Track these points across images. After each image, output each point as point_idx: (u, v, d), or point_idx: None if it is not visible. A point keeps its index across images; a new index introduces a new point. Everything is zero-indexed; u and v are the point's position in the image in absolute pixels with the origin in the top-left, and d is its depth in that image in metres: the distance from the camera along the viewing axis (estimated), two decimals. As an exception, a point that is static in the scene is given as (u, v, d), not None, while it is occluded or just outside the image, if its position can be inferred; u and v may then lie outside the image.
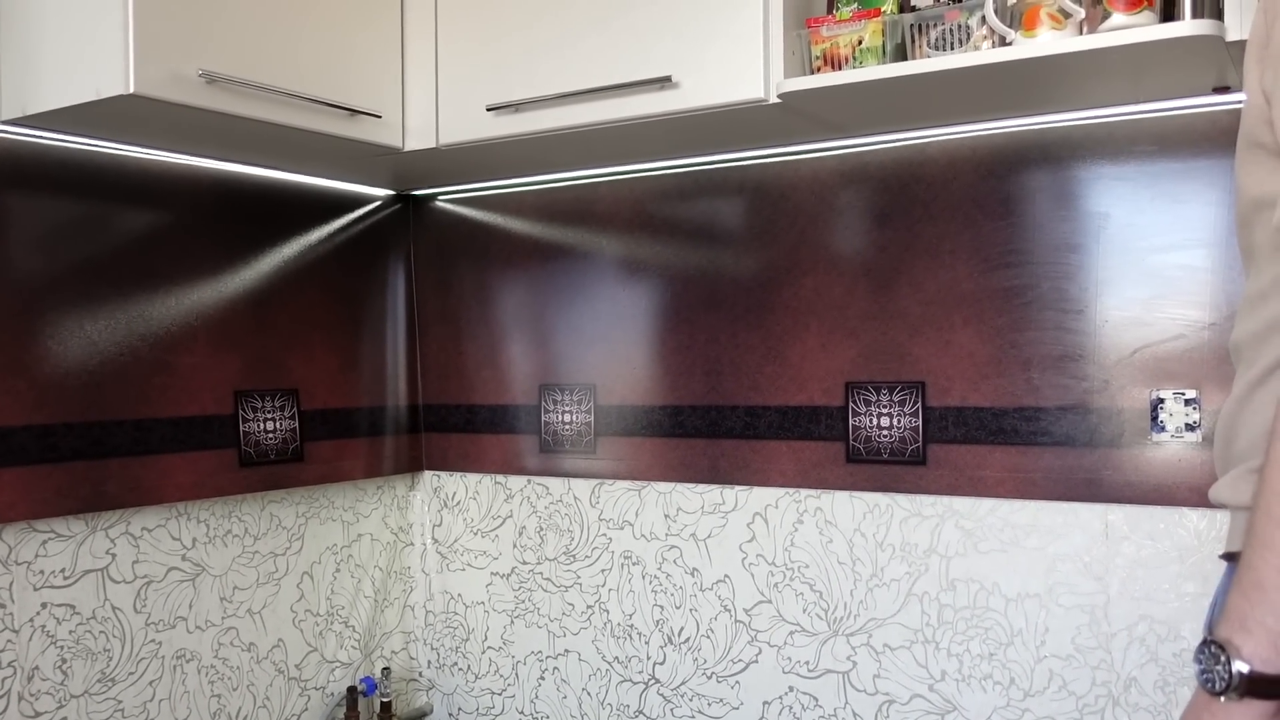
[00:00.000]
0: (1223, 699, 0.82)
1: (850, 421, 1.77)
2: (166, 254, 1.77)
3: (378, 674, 2.13)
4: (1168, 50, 1.28)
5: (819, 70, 1.50)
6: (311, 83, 1.61)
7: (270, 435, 1.90)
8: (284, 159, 1.87)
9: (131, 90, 1.38)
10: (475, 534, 2.18)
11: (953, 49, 1.43)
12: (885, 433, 1.74)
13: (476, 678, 2.19)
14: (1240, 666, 0.80)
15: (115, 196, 1.70)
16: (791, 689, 1.84)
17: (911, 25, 1.46)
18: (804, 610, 1.83)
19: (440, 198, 2.19)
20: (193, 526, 1.83)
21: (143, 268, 1.73)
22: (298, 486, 1.97)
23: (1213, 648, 0.83)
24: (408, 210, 2.22)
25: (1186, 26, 1.24)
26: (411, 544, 2.25)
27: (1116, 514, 1.59)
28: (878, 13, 1.48)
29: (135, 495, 1.71)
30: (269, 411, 1.90)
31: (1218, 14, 1.26)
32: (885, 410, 1.74)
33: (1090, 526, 1.61)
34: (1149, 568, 1.57)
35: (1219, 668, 0.82)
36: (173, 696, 1.80)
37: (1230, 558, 0.90)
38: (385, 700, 2.09)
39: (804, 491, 1.82)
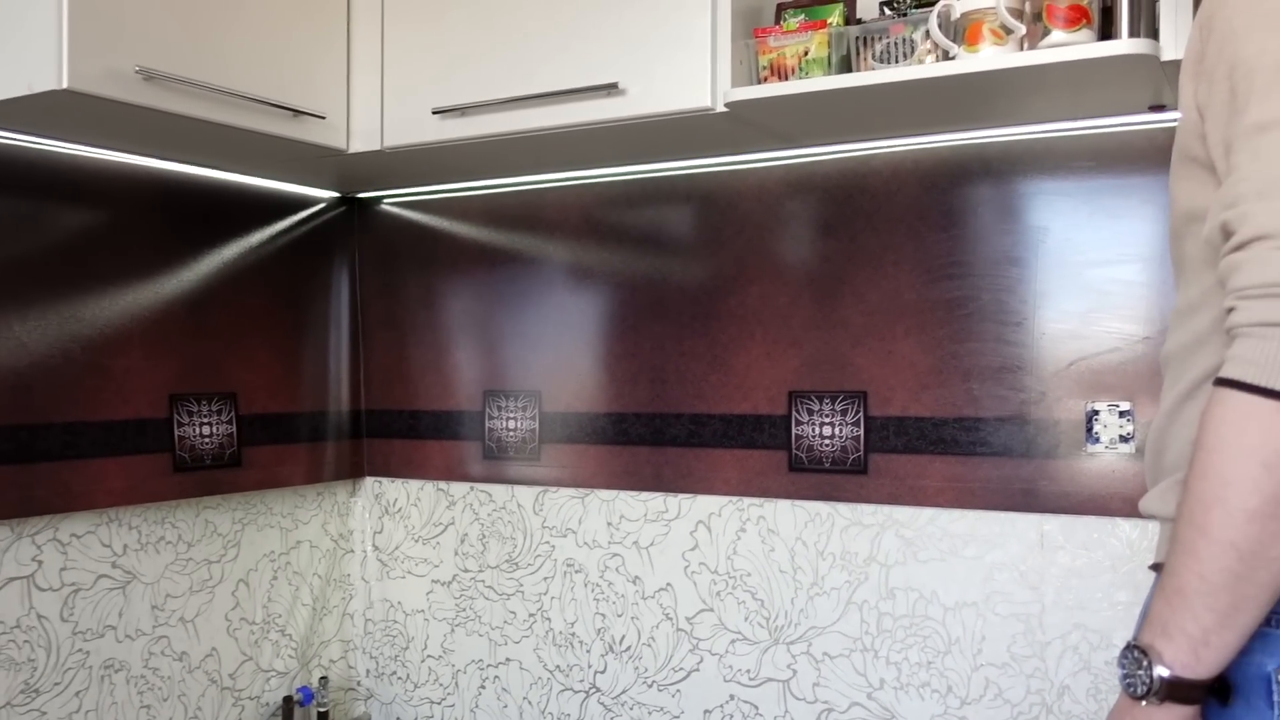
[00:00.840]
0: (1144, 703, 0.84)
1: (793, 430, 1.78)
2: (101, 254, 1.73)
3: (315, 683, 2.10)
4: (1105, 68, 1.31)
5: (766, 80, 1.51)
6: (254, 82, 1.58)
7: (206, 440, 1.87)
8: (225, 159, 1.83)
9: (65, 86, 1.35)
10: (416, 541, 2.16)
11: (897, 62, 1.44)
12: (827, 442, 1.75)
13: (416, 687, 2.16)
14: (1161, 671, 0.83)
15: (48, 195, 1.66)
16: (732, 697, 1.84)
17: (857, 38, 1.47)
18: (745, 619, 1.83)
19: (385, 200, 2.17)
20: (124, 533, 1.79)
21: (76, 268, 1.69)
22: (234, 492, 1.93)
23: (1135, 653, 0.85)
24: (352, 213, 2.19)
25: (1123, 45, 1.27)
26: (351, 551, 2.22)
27: (1052, 524, 1.61)
28: (824, 24, 1.49)
29: (64, 500, 1.66)
30: (205, 415, 1.87)
31: (1153, 34, 1.29)
32: (827, 419, 1.75)
33: (1026, 536, 1.63)
34: (1083, 577, 1.59)
35: (1141, 672, 0.84)
36: (100, 708, 1.76)
37: (1158, 568, 0.93)
38: (322, 710, 2.05)
39: (747, 500, 1.83)
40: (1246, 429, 0.78)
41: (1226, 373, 0.80)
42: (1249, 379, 0.78)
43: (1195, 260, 0.93)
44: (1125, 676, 0.86)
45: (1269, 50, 0.80)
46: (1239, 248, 0.80)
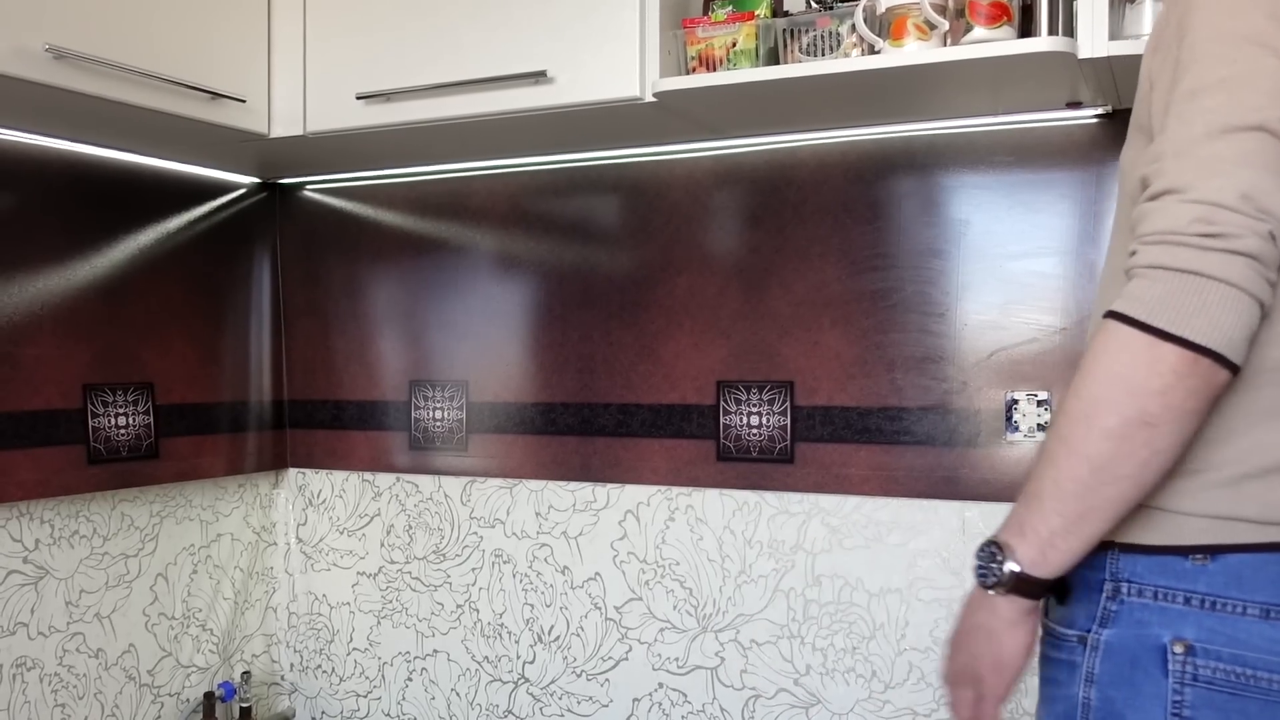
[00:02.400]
0: (992, 593, 0.93)
1: (721, 420, 1.79)
2: (9, 238, 1.67)
3: (237, 679, 2.06)
4: (1024, 64, 1.33)
5: (694, 71, 1.51)
6: (170, 63, 1.54)
7: (122, 431, 1.82)
8: (141, 142, 1.78)
9: (-32, 63, 1.30)
10: (341, 533, 2.13)
11: (823, 55, 1.46)
12: (755, 431, 1.76)
13: (341, 680, 2.14)
14: (1011, 566, 0.91)
15: (-48, 176, 1.60)
16: (661, 685, 1.85)
17: (784, 30, 1.48)
18: (674, 607, 1.84)
19: (308, 187, 2.13)
20: (35, 527, 1.74)
21: (-18, 252, 1.63)
22: (152, 485, 1.88)
23: (992, 548, 0.93)
24: (274, 199, 2.15)
25: (1042, 43, 1.29)
26: (274, 544, 2.18)
27: (973, 511, 1.64)
28: (752, 16, 1.49)
29: (-29, 494, 1.61)
30: (121, 406, 1.81)
31: (1071, 33, 1.31)
32: (755, 409, 1.76)
33: (948, 523, 1.66)
34: (1002, 562, 1.63)
35: (994, 565, 0.92)
36: (11, 707, 1.70)
37: None
38: (245, 705, 2.02)
39: (675, 489, 1.83)
40: (1119, 357, 0.84)
41: (1116, 306, 0.86)
42: (1130, 313, 0.84)
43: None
44: (980, 568, 0.93)
45: (1212, 24, 0.86)
46: (1151, 199, 0.85)
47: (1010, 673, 0.95)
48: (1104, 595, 0.92)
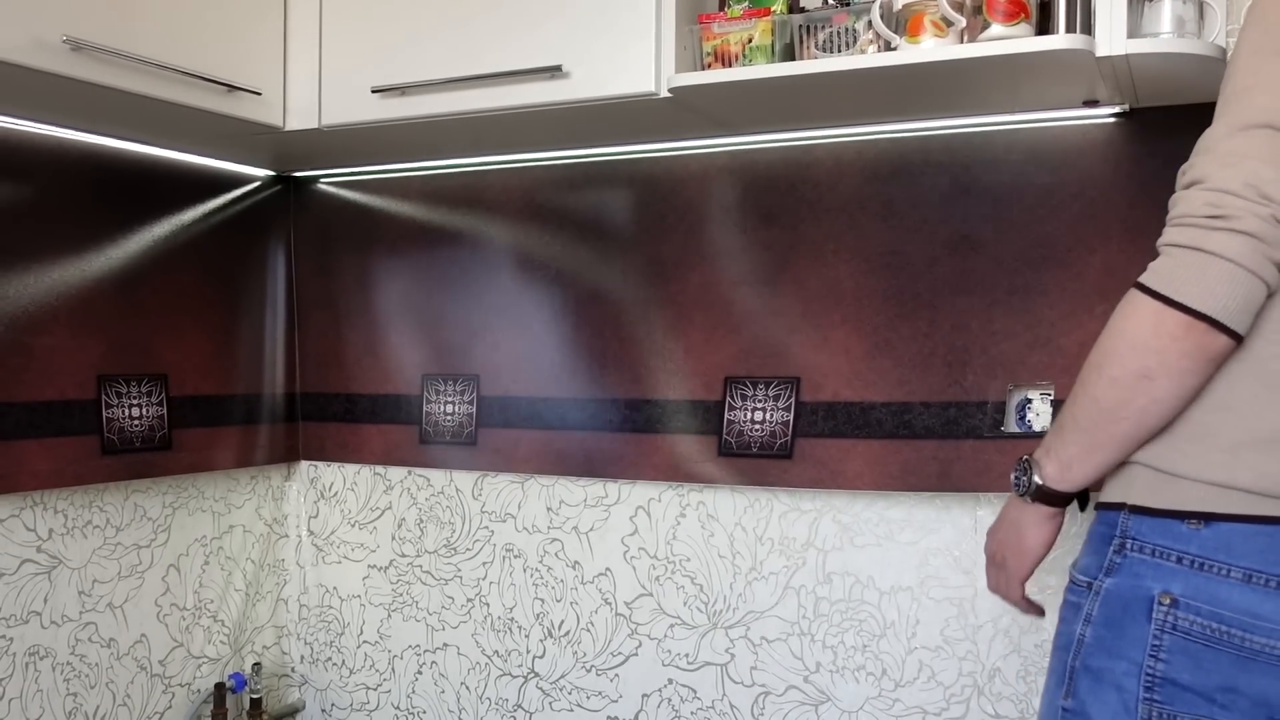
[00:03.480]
0: (1022, 499, 1.14)
1: (725, 416, 1.78)
2: (26, 229, 1.67)
3: (248, 669, 2.07)
4: (1042, 62, 1.33)
5: (710, 66, 1.51)
6: (187, 55, 1.54)
7: (136, 422, 1.82)
8: (157, 134, 1.79)
9: (-13, 54, 1.30)
10: (353, 526, 2.13)
11: (840, 51, 1.45)
12: (758, 427, 1.76)
13: (351, 672, 2.14)
14: (1037, 479, 1.11)
15: (-31, 166, 1.60)
16: (670, 681, 1.86)
17: (800, 26, 1.48)
18: (684, 603, 1.84)
19: (323, 180, 2.13)
20: (49, 517, 1.74)
21: (-1, 243, 1.64)
22: (165, 476, 1.89)
23: (1025, 463, 1.13)
24: (288, 192, 2.15)
25: (1060, 40, 1.29)
26: (286, 536, 2.19)
27: (985, 510, 1.64)
28: (768, 12, 1.49)
29: (-14, 483, 1.62)
30: (135, 397, 1.82)
31: (1089, 30, 1.31)
32: (760, 405, 1.76)
33: (960, 522, 1.66)
34: (1014, 562, 1.62)
35: (1025, 478, 1.13)
36: (24, 695, 1.71)
37: (1100, 505, 1.12)
38: (255, 696, 2.03)
39: (687, 485, 1.83)
40: (1131, 318, 1.01)
41: (1141, 278, 1.01)
42: (1146, 281, 0.99)
43: None
44: (1015, 478, 1.14)
45: (1250, 41, 1.00)
46: (1182, 189, 1.00)
47: (1030, 559, 1.17)
48: (1111, 549, 1.06)
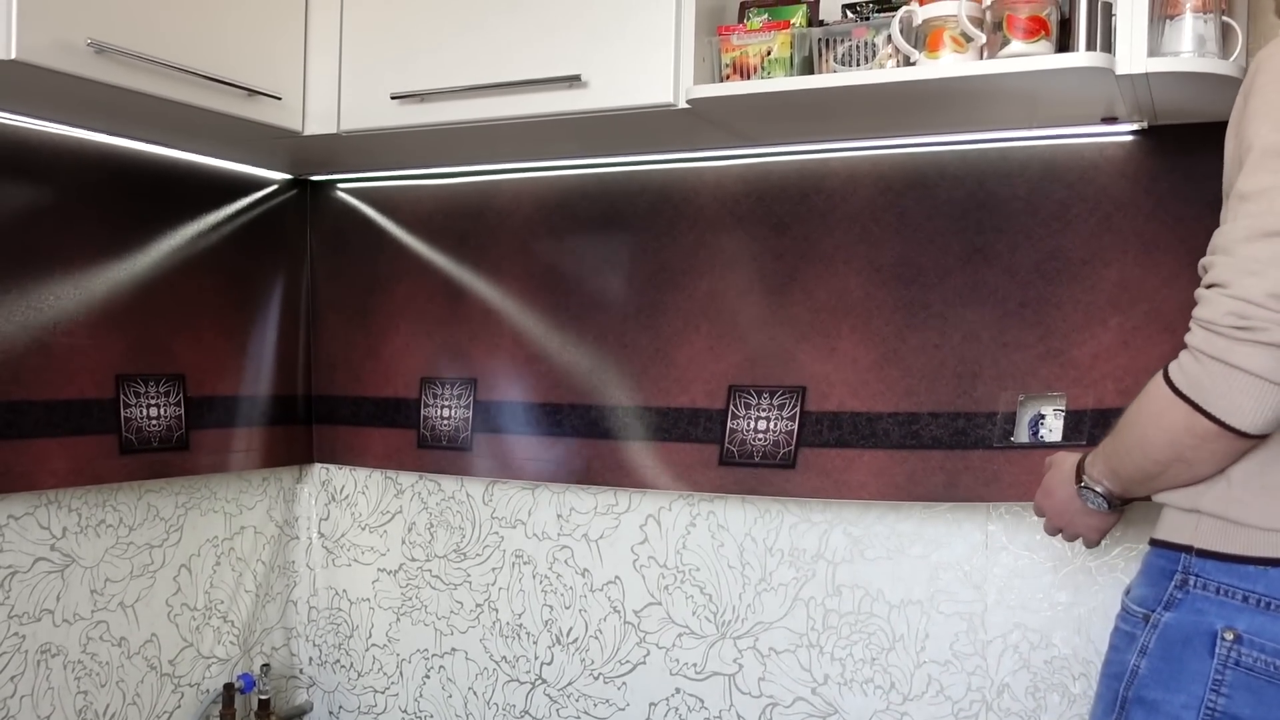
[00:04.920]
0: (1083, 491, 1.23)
1: (727, 424, 1.78)
2: (46, 229, 1.69)
3: (257, 670, 2.07)
4: (1062, 79, 1.33)
5: (728, 78, 1.52)
6: (208, 59, 1.55)
7: (154, 422, 1.83)
8: (177, 136, 1.80)
9: (13, 56, 1.31)
10: (363, 529, 2.14)
11: (858, 65, 1.45)
12: (761, 436, 1.75)
13: (360, 675, 2.15)
14: (1096, 488, 1.21)
15: (-8, 166, 1.62)
16: (678, 690, 1.86)
17: (819, 40, 1.48)
18: (693, 613, 1.84)
19: (339, 185, 2.15)
20: (64, 515, 1.75)
21: (19, 243, 1.65)
22: (181, 476, 1.90)
23: (1085, 467, 1.23)
24: (305, 195, 2.16)
25: (1080, 58, 1.29)
26: (297, 538, 2.20)
27: (996, 524, 1.64)
28: (787, 25, 1.49)
29: (5, 481, 1.62)
30: (153, 397, 1.83)
31: (1109, 48, 1.31)
32: (764, 414, 1.76)
33: (971, 537, 1.65)
34: (1025, 577, 1.62)
35: (1089, 490, 1.22)
36: (35, 693, 1.72)
37: (1154, 541, 1.15)
38: (264, 698, 2.03)
39: (697, 495, 1.83)
40: (1167, 414, 1.06)
41: (1169, 372, 1.05)
42: (1177, 383, 1.04)
43: None
44: (1082, 488, 1.23)
45: (1262, 136, 1.01)
46: (1206, 288, 1.03)
47: (1073, 534, 1.29)
48: (1172, 584, 1.09)
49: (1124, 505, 1.22)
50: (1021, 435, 1.60)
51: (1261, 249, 0.98)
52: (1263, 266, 0.97)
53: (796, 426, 1.73)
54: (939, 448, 1.63)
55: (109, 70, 1.42)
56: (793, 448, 1.73)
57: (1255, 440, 1.02)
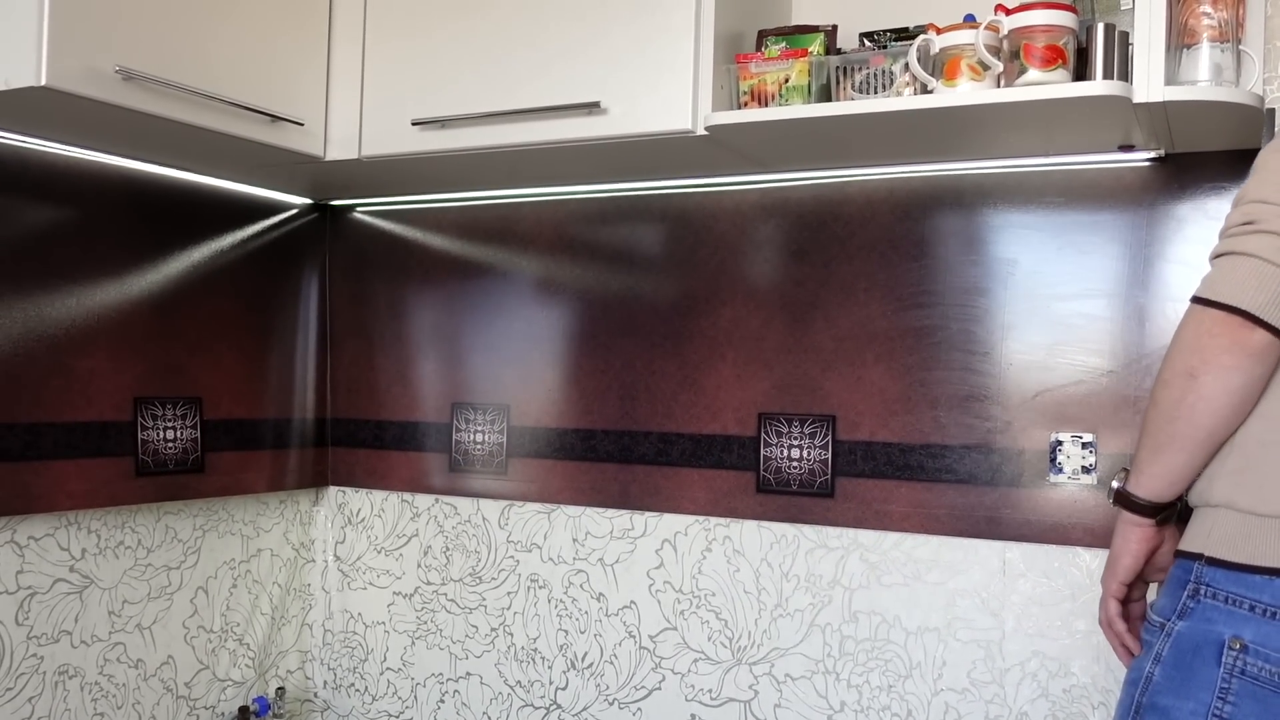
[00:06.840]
0: (1116, 510, 1.20)
1: (762, 452, 1.79)
2: (68, 252, 1.70)
3: (271, 694, 2.07)
4: (1078, 107, 1.34)
5: (746, 105, 1.53)
6: (233, 85, 1.57)
7: (170, 444, 1.84)
8: (199, 161, 1.82)
9: (44, 83, 1.33)
10: (379, 552, 2.14)
11: (876, 93, 1.46)
12: (795, 464, 1.76)
13: (374, 699, 2.15)
14: (1114, 484, 1.19)
15: (16, 190, 1.64)
16: (693, 716, 1.85)
17: (837, 67, 1.49)
18: (709, 638, 1.84)
19: (359, 209, 2.16)
20: (83, 536, 1.76)
21: (42, 266, 1.67)
22: (197, 498, 1.91)
23: (1121, 473, 1.20)
24: (325, 220, 2.18)
25: (1097, 86, 1.30)
26: (313, 561, 2.20)
27: (1014, 551, 1.63)
28: (805, 53, 1.51)
29: (23, 502, 1.63)
30: (170, 420, 1.84)
31: (1126, 77, 1.32)
32: (796, 442, 1.76)
33: (989, 563, 1.65)
34: (1043, 605, 1.62)
35: (1110, 486, 1.20)
36: (53, 714, 1.73)
37: (1180, 553, 1.15)
38: (278, 721, 2.03)
39: (713, 520, 1.83)
40: (1181, 326, 1.09)
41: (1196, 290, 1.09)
42: (1196, 293, 1.07)
43: None
44: (1108, 488, 1.24)
45: (1270, 165, 1.09)
46: (1232, 208, 1.09)
47: (1115, 567, 1.19)
48: (1185, 593, 1.10)
49: (1149, 513, 1.16)
50: (1053, 473, 1.59)
51: (1278, 159, 1.05)
52: (1273, 171, 1.05)
53: (830, 455, 1.73)
54: (975, 483, 1.64)
55: (136, 96, 1.44)
56: (829, 477, 1.73)
57: (1264, 337, 1.02)
